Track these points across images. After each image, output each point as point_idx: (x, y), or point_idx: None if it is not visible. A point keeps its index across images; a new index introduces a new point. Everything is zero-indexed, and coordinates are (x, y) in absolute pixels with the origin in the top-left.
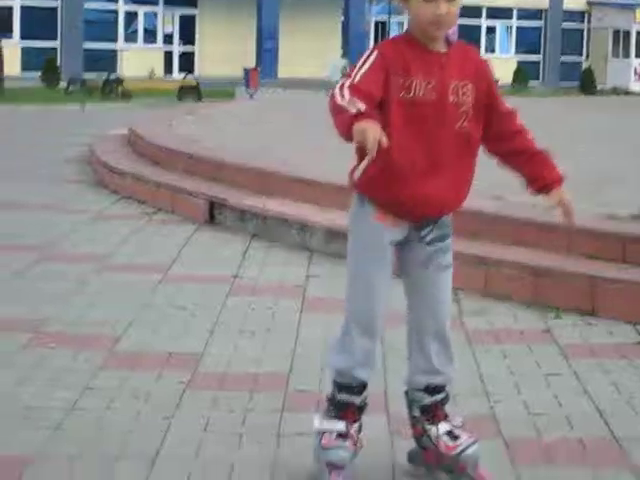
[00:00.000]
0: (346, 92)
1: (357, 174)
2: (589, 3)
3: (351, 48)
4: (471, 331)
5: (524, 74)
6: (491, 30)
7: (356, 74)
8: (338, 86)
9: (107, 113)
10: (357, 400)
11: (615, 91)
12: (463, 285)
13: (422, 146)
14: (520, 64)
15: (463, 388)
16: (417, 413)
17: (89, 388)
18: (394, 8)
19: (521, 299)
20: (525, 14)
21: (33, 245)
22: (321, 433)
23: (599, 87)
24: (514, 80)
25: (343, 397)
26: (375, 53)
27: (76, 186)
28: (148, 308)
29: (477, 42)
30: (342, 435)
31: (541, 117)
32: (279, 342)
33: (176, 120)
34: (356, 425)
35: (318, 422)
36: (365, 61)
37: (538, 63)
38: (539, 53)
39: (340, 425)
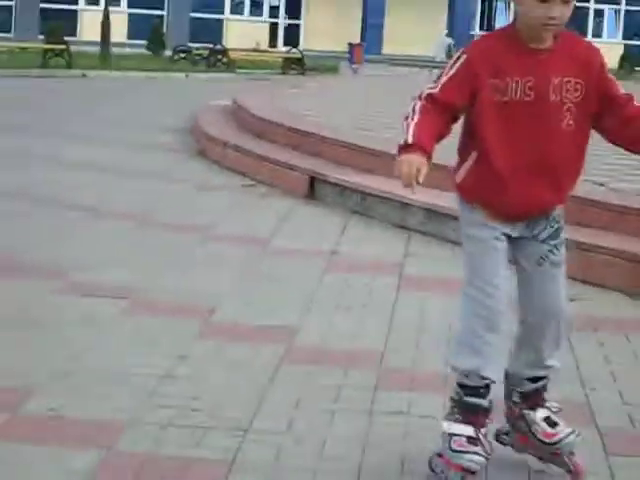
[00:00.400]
0: (418, 106)
1: (457, 179)
2: None
3: (457, 27)
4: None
5: (632, 59)
6: (599, 14)
7: (440, 80)
8: (421, 93)
9: (211, 84)
10: (485, 402)
11: None
12: None
13: (524, 149)
14: (628, 49)
15: (558, 374)
16: (517, 399)
17: (184, 356)
18: None
19: (619, 286)
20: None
21: (135, 214)
22: (451, 436)
23: None
24: (620, 66)
25: (471, 400)
26: (462, 58)
27: (179, 155)
28: (246, 280)
29: (584, 26)
30: (472, 439)
31: None
32: (374, 319)
33: (280, 93)
34: (484, 430)
35: (447, 425)
36: (452, 66)
37: None
38: None
39: (469, 430)
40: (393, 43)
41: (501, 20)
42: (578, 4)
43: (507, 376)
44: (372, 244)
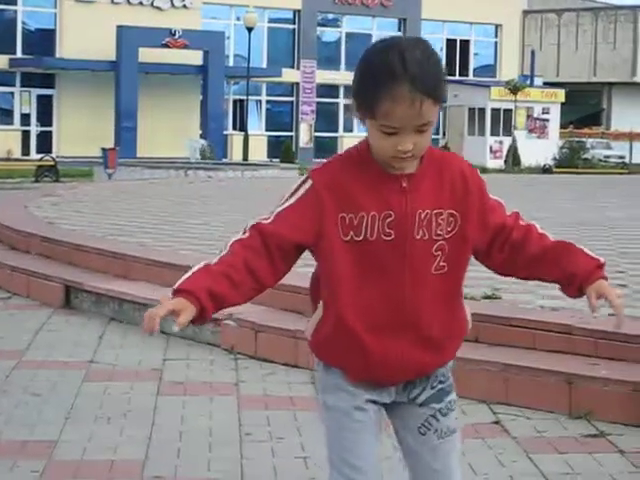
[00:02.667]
0: (234, 240)
1: (307, 333)
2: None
3: (210, 127)
4: None
5: None
6: (349, 109)
7: (277, 208)
8: (250, 222)
9: None
10: None
11: None
12: None
13: (384, 299)
14: None
15: (319, 470)
16: None
17: None
18: (252, 87)
19: None
20: None
21: None
22: None
23: None
24: None
25: None
26: (307, 184)
27: None
28: (1, 395)
29: (335, 121)
30: None
31: None
32: (135, 428)
33: (32, 202)
34: None
35: None
36: (293, 193)
37: None
38: None
39: None
40: (148, 146)
41: (253, 119)
42: (330, 100)
43: None
44: (130, 350)
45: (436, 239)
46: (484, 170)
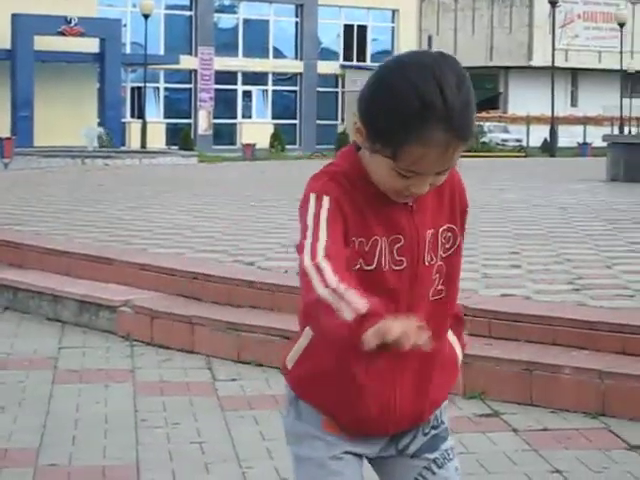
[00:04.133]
0: (328, 274)
1: (286, 361)
2: (342, 67)
3: (107, 115)
4: (224, 397)
5: (281, 138)
6: (247, 95)
7: (315, 236)
8: (307, 263)
9: None
10: None
11: None
12: (215, 352)
13: None
14: (277, 128)
15: (215, 454)
16: None
17: None
18: (150, 75)
19: (274, 363)
20: (280, 79)
21: None
22: None
23: None
24: (271, 144)
25: None
26: (325, 200)
27: None
28: None
29: (234, 108)
30: None
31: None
32: (30, 416)
33: None
34: None
35: None
36: (317, 213)
37: (295, 127)
38: (295, 117)
39: None
40: (45, 135)
41: (151, 107)
42: (226, 86)
43: None
44: (25, 339)
45: (437, 262)
46: None
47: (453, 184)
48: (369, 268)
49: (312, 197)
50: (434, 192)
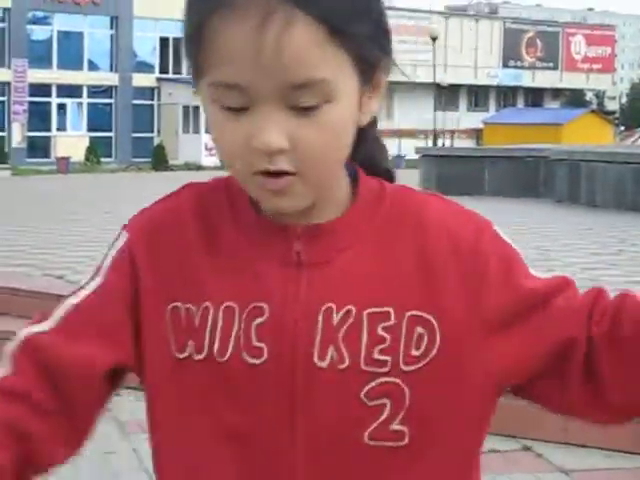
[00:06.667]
0: (16, 352)
1: None
2: (158, 79)
3: None
4: None
5: (97, 151)
6: (62, 108)
7: (66, 301)
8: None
9: None
10: None
11: (187, 166)
12: None
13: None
14: (92, 141)
15: None
16: None
17: None
18: None
19: None
20: (95, 91)
21: None
22: None
23: (171, 162)
24: (87, 157)
25: None
26: (118, 248)
27: None
28: None
29: (48, 121)
30: None
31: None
32: None
33: None
34: None
35: None
36: (95, 274)
37: (110, 139)
38: (111, 130)
39: None
40: None
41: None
42: (41, 99)
43: None
44: None
45: (372, 371)
46: (200, 167)
47: (443, 237)
48: (199, 357)
49: (117, 235)
50: (379, 242)
